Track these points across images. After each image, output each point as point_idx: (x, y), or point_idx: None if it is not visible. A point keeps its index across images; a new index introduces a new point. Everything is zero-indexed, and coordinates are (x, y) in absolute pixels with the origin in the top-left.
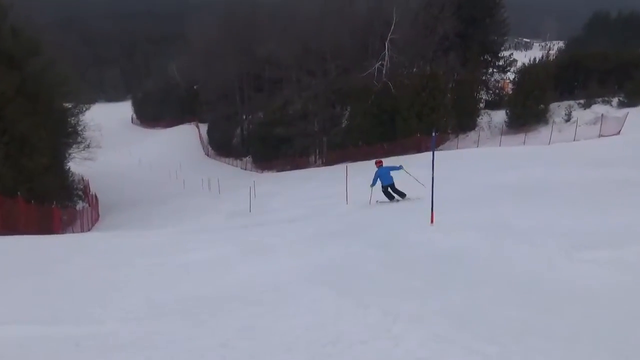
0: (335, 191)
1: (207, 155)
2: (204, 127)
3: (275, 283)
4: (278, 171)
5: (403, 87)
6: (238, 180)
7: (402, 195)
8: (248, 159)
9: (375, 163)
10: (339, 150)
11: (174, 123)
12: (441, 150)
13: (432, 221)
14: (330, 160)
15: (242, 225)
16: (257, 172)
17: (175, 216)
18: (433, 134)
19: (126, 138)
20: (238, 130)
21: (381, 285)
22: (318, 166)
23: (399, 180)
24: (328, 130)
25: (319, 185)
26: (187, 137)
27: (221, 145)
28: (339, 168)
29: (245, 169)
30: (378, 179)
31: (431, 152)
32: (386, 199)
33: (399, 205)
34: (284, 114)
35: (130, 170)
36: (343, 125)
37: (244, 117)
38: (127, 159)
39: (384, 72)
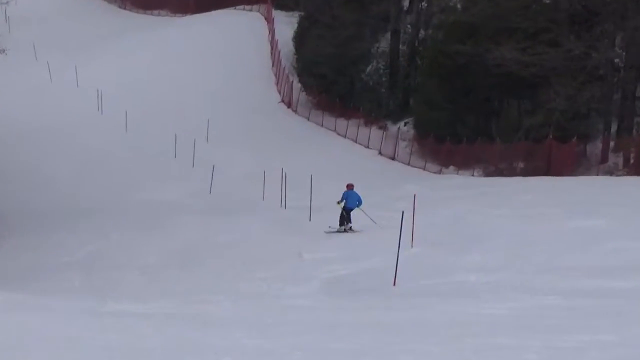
0: None
1: (291, 109)
2: (284, 24)
3: None
4: (488, 175)
5: None
6: (370, 185)
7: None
8: (404, 127)
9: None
10: None
11: (204, 4)
12: None
13: None
14: None
15: (370, 319)
16: (424, 169)
17: (187, 270)
18: None
19: (76, 32)
20: (380, 44)
21: None
22: (610, 172)
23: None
24: None
25: (611, 227)
26: (239, 47)
27: (331, 85)
28: None
29: (394, 158)
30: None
31: None
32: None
33: None
34: (521, 5)
35: (75, 123)
36: None
37: (407, 9)
38: (70, 92)
39: None
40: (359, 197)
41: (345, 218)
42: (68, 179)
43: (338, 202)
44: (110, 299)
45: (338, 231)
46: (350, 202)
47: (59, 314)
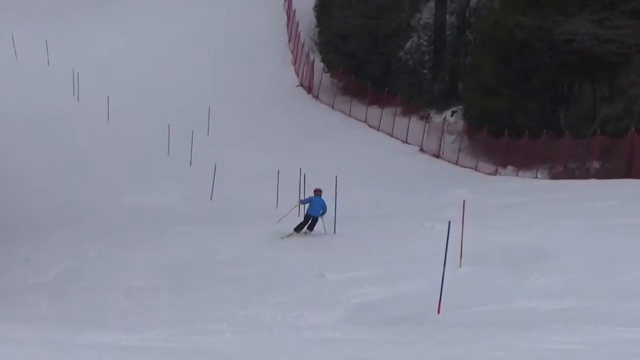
0: None
1: (311, 94)
2: None
3: None
4: (554, 177)
5: None
6: (409, 189)
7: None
8: (451, 118)
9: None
10: None
11: None
12: None
13: None
14: None
15: (409, 355)
16: (476, 169)
17: (182, 293)
18: None
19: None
20: (422, 15)
21: None
22: None
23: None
24: None
25: None
26: (248, 18)
27: (361, 65)
28: None
29: (439, 156)
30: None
31: None
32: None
33: None
34: None
35: (46, 111)
36: None
37: None
38: (39, 73)
39: None
40: (325, 205)
41: (304, 224)
42: (36, 179)
43: (300, 200)
44: (87, 329)
45: (289, 235)
46: (312, 209)
47: (23, 347)
